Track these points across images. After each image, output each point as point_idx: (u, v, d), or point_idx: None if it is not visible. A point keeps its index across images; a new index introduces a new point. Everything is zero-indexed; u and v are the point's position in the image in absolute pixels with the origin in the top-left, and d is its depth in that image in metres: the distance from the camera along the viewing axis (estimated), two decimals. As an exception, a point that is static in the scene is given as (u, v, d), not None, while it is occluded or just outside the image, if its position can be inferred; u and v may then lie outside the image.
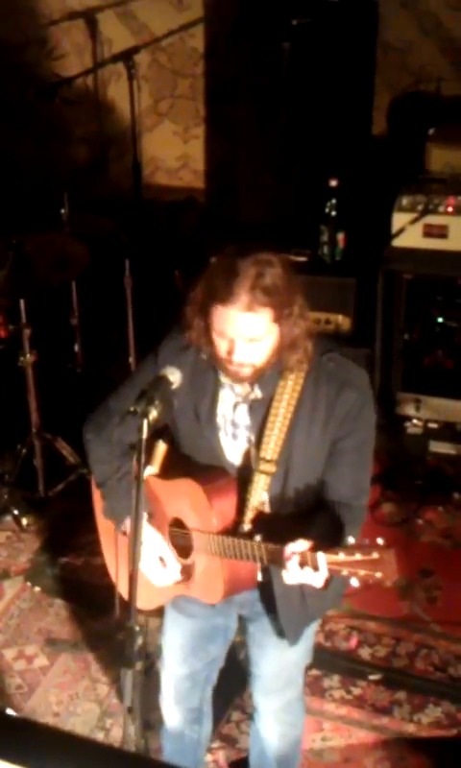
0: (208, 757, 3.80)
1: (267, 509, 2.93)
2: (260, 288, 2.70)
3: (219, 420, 2.95)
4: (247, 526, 2.91)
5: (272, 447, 2.87)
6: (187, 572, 3.06)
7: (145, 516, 3.00)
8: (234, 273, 2.71)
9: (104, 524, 3.25)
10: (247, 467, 2.94)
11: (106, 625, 4.29)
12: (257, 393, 2.89)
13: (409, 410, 4.99)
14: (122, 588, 3.22)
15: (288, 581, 2.71)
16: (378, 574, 2.55)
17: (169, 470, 3.01)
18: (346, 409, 2.86)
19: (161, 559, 3.05)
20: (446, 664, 4.16)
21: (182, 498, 2.98)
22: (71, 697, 4.11)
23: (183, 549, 3.05)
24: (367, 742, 3.89)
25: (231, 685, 3.87)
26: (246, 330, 2.74)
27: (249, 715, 3.85)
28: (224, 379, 2.90)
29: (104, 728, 3.96)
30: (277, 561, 2.74)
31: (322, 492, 2.94)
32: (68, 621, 4.41)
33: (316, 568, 2.61)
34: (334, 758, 3.85)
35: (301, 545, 2.65)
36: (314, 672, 4.11)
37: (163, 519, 3.06)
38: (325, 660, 4.16)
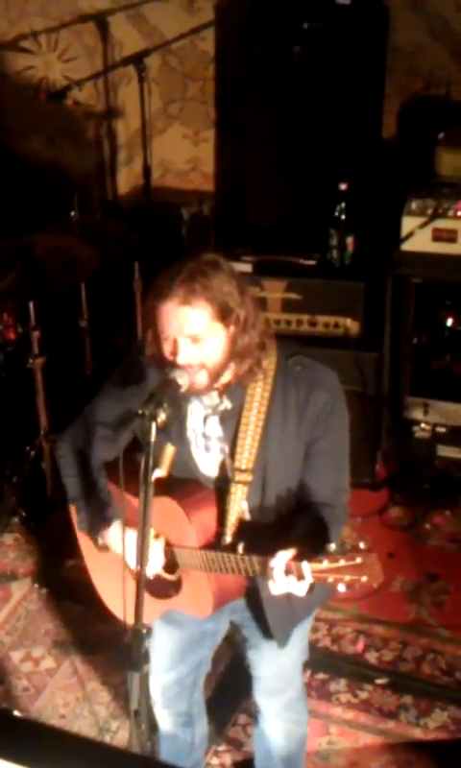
0: (215, 761, 3.81)
1: (247, 518, 2.92)
2: (198, 282, 2.71)
3: (189, 434, 2.95)
4: (229, 538, 2.90)
5: (246, 457, 2.86)
6: (175, 588, 3.05)
7: (119, 522, 3.00)
8: (175, 271, 2.74)
9: (86, 544, 3.24)
10: (223, 478, 2.93)
11: (113, 627, 4.29)
12: (227, 403, 2.88)
13: (417, 414, 4.99)
14: (112, 605, 3.22)
15: (275, 592, 2.70)
16: (364, 578, 2.55)
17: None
18: (317, 411, 2.85)
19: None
20: (452, 669, 4.16)
21: (162, 516, 2.95)
22: (78, 699, 4.11)
23: (169, 566, 3.04)
24: (373, 746, 3.89)
25: (237, 689, 3.87)
26: (185, 325, 2.73)
27: (255, 718, 3.86)
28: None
29: (110, 730, 3.97)
30: (262, 572, 2.74)
31: (301, 495, 2.93)
32: (75, 623, 4.42)
33: (301, 577, 2.61)
34: (340, 762, 3.84)
35: (283, 557, 2.64)
36: (321, 676, 4.11)
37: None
38: (331, 663, 4.16)
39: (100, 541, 3.07)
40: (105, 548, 3.08)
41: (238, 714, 3.99)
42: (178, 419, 2.93)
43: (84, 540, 3.24)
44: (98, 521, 3.06)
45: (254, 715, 3.54)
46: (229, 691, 3.81)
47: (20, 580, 4.64)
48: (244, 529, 2.92)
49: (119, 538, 2.96)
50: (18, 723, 1.86)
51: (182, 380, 2.75)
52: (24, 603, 4.53)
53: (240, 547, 2.86)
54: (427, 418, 4.99)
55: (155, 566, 3.01)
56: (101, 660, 4.25)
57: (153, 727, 3.40)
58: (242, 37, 5.68)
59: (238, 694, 3.95)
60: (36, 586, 4.61)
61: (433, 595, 4.48)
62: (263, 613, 3.03)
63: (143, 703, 2.73)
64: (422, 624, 4.36)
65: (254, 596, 3.02)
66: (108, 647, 4.27)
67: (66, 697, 4.12)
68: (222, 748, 3.87)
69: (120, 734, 3.91)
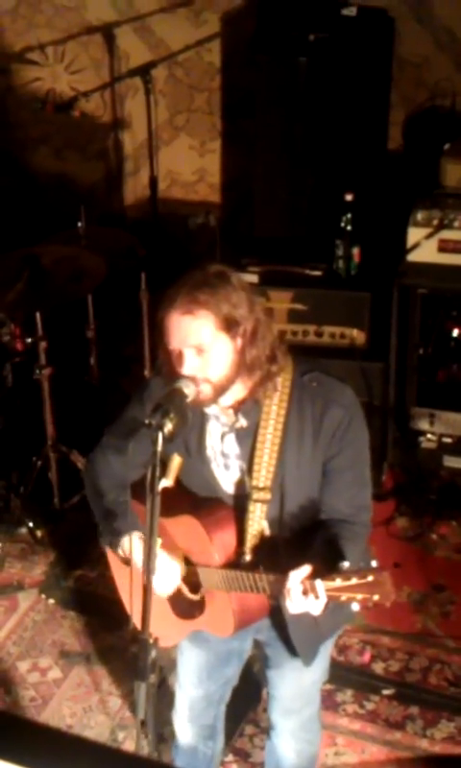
0: (221, 771, 3.81)
1: (267, 536, 2.91)
2: (202, 293, 2.70)
3: (209, 452, 2.94)
4: (248, 556, 2.90)
5: (264, 475, 2.85)
6: (199, 608, 3.06)
7: (132, 534, 3.00)
8: (182, 283, 2.75)
9: (114, 561, 3.24)
10: (242, 496, 2.93)
11: (119, 638, 4.30)
12: (242, 421, 2.87)
13: (423, 425, 4.99)
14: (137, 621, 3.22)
15: (292, 611, 2.71)
16: (376, 597, 2.56)
17: (172, 506, 2.95)
18: (333, 428, 2.83)
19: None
20: (459, 679, 4.15)
21: (185, 535, 2.97)
22: (84, 709, 4.11)
23: (193, 586, 3.05)
24: (380, 757, 3.89)
25: (245, 700, 3.87)
26: (188, 336, 2.72)
27: (262, 729, 3.86)
28: (209, 411, 2.89)
29: (116, 740, 3.96)
30: (279, 591, 2.74)
31: (321, 512, 2.91)
32: (82, 634, 4.42)
33: (315, 596, 2.61)
34: (347, 773, 3.84)
35: (298, 575, 2.64)
36: (327, 686, 4.10)
37: (175, 556, 3.06)
38: (338, 674, 4.15)
39: (121, 553, 3.06)
40: (127, 562, 3.08)
41: (245, 725, 3.98)
42: (197, 437, 2.94)
43: (111, 558, 3.23)
44: (109, 534, 3.06)
45: (266, 731, 3.53)
46: (235, 702, 3.79)
47: (27, 590, 4.64)
48: (263, 547, 2.91)
49: (133, 549, 2.95)
50: (30, 728, 1.86)
51: (188, 390, 2.74)
52: (31, 613, 4.53)
53: (260, 567, 2.86)
54: (434, 428, 4.99)
55: (172, 581, 3.02)
56: (108, 670, 4.25)
57: (159, 737, 3.40)
58: (248, 49, 5.70)
59: (245, 705, 3.95)
60: (43, 596, 4.61)
61: (440, 606, 4.47)
62: (288, 633, 3.02)
63: (150, 713, 2.73)
64: (428, 634, 4.36)
65: (278, 616, 3.00)
66: (114, 657, 4.27)
67: (73, 707, 4.12)
68: (228, 758, 3.87)
69: (127, 745, 3.91)
